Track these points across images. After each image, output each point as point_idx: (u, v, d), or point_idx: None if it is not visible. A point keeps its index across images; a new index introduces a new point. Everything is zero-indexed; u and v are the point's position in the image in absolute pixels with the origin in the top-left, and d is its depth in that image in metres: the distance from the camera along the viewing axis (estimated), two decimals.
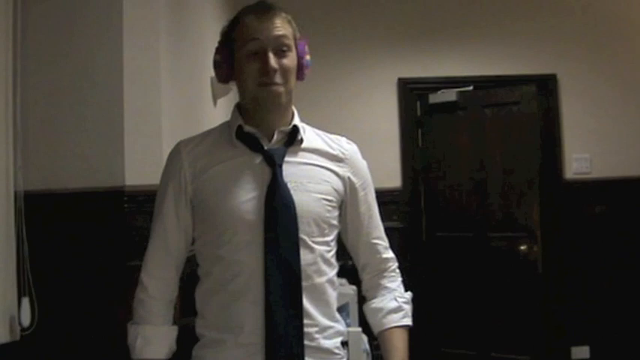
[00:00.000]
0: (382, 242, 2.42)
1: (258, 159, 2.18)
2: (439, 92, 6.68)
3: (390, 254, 2.42)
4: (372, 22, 6.73)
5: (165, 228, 2.26)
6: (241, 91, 2.22)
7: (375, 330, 2.38)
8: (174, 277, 2.31)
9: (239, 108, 2.27)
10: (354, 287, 4.18)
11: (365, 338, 3.82)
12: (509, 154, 6.49)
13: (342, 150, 2.32)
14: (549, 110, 6.67)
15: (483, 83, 6.64)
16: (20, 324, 2.98)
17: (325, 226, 2.21)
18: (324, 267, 2.21)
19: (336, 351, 2.24)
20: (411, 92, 6.77)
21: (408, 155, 6.68)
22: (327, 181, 2.24)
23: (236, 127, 2.22)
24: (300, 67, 2.24)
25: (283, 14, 2.20)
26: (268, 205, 2.12)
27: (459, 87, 6.63)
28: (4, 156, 2.99)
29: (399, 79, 6.73)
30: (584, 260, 6.54)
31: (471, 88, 6.61)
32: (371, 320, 2.38)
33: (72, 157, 3.19)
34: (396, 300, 2.38)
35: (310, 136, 2.31)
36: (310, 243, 2.16)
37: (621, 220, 6.57)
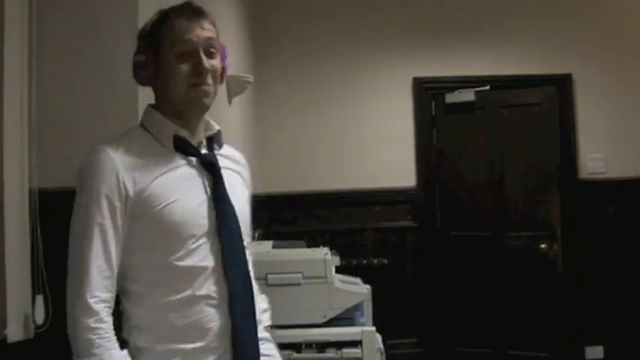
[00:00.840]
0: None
1: (196, 164, 2.20)
2: (456, 92, 6.67)
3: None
4: (386, 22, 6.73)
5: (105, 241, 2.07)
6: (166, 94, 2.19)
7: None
8: (114, 295, 2.14)
9: (158, 110, 2.24)
10: (368, 286, 4.18)
11: (379, 337, 3.82)
12: (528, 154, 6.51)
13: (239, 157, 2.45)
14: (565, 110, 6.66)
15: (498, 82, 6.63)
16: (34, 322, 2.99)
17: (249, 227, 2.34)
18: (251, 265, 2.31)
19: (270, 337, 2.41)
20: (427, 91, 6.76)
21: (423, 154, 6.67)
22: (244, 187, 2.36)
23: (172, 133, 2.19)
24: (223, 71, 2.27)
25: (209, 17, 2.23)
26: (218, 211, 2.16)
27: (473, 86, 6.62)
28: (19, 154, 2.99)
29: (414, 79, 6.73)
30: (598, 260, 6.52)
31: (487, 87, 6.60)
32: None
33: None
34: (264, 301, 2.49)
35: None
36: (246, 244, 2.26)
37: (636, 220, 6.54)
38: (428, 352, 6.46)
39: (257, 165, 6.31)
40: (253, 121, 6.21)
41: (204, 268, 2.13)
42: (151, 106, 2.28)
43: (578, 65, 6.68)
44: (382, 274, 6.13)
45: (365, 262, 6.06)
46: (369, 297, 4.10)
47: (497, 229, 6.59)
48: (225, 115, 4.69)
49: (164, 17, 2.20)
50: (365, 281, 4.37)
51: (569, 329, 6.40)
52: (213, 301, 2.13)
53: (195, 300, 2.12)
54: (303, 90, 6.47)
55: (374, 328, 3.80)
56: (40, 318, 3.00)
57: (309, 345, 3.81)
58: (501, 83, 6.66)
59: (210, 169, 2.19)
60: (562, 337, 6.37)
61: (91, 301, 2.03)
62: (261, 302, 2.43)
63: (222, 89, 4.63)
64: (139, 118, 3.17)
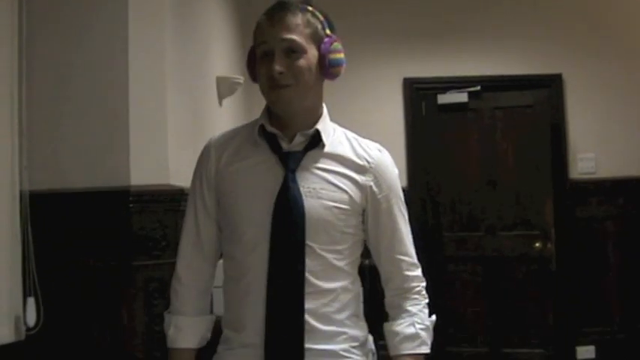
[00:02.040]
0: (407, 259, 2.29)
1: (275, 161, 2.15)
2: (448, 93, 6.66)
3: (415, 273, 2.29)
4: (376, 22, 6.72)
5: (195, 219, 2.28)
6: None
7: (390, 352, 2.28)
8: (209, 268, 2.33)
9: (269, 107, 2.23)
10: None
11: (370, 338, 3.81)
12: (520, 154, 6.52)
13: (369, 158, 2.23)
14: (555, 110, 6.66)
15: (488, 83, 6.62)
16: (25, 324, 2.99)
17: (336, 234, 2.15)
18: (333, 274, 2.16)
19: (344, 354, 2.19)
20: (417, 92, 6.76)
21: (414, 155, 6.67)
22: (344, 190, 2.16)
23: (259, 126, 2.20)
24: (324, 66, 2.17)
25: (300, 13, 2.13)
26: (277, 210, 2.09)
27: (463, 87, 6.62)
28: (9, 156, 2.99)
29: (405, 79, 6.72)
30: (590, 259, 6.52)
31: (478, 88, 6.59)
32: (387, 342, 2.29)
33: (77, 157, 3.19)
34: (414, 326, 2.25)
35: (337, 140, 2.25)
36: (318, 250, 2.12)
37: (626, 220, 6.55)
38: None
39: None
40: (244, 122, 6.19)
41: (250, 265, 2.13)
42: None
43: (568, 65, 6.67)
44: (374, 275, 6.10)
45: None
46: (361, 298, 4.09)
47: (490, 228, 6.60)
48: (215, 116, 4.69)
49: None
50: None
51: (562, 328, 6.41)
52: (253, 299, 2.12)
53: (238, 293, 2.17)
54: None
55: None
56: (31, 320, 3.00)
57: None
58: (491, 84, 6.64)
59: (284, 167, 2.13)
60: (555, 336, 6.39)
61: (178, 266, 2.31)
62: (407, 327, 2.26)
63: (212, 90, 4.64)
64: (129, 120, 3.20)
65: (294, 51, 2.10)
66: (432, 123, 6.75)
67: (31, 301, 3.00)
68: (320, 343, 2.13)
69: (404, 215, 2.30)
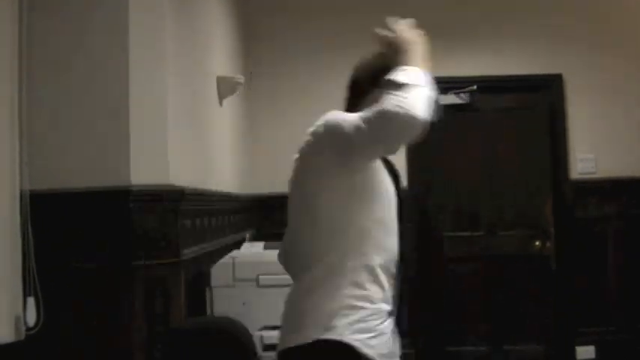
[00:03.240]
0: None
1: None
2: (448, 93, 6.65)
3: None
4: (375, 23, 6.69)
5: None
6: None
7: None
8: None
9: None
10: None
11: None
12: (520, 154, 6.54)
13: None
14: (555, 110, 6.66)
15: (488, 83, 6.62)
16: (25, 323, 2.99)
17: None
18: None
19: None
20: None
21: (415, 155, 6.66)
22: None
23: None
24: None
25: None
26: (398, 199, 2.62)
27: (462, 87, 6.61)
28: (9, 155, 2.99)
29: None
30: (590, 259, 6.52)
31: (474, 87, 6.59)
32: None
33: (78, 157, 3.19)
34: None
35: None
36: None
37: (626, 220, 6.55)
38: (419, 352, 6.46)
39: (248, 166, 6.31)
40: (244, 122, 6.20)
41: (392, 245, 2.55)
42: None
43: (569, 65, 6.66)
44: None
45: None
46: None
47: (490, 228, 6.61)
48: (215, 116, 4.69)
49: None
50: None
51: (562, 328, 6.41)
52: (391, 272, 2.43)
53: (386, 268, 2.43)
54: (295, 90, 6.49)
55: None
56: (31, 320, 3.00)
57: None
58: (492, 84, 6.64)
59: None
60: (554, 335, 6.40)
61: None
62: None
63: (212, 90, 4.64)
64: (130, 120, 3.21)
65: None
66: (431, 123, 6.73)
67: (30, 300, 3.00)
68: None
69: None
